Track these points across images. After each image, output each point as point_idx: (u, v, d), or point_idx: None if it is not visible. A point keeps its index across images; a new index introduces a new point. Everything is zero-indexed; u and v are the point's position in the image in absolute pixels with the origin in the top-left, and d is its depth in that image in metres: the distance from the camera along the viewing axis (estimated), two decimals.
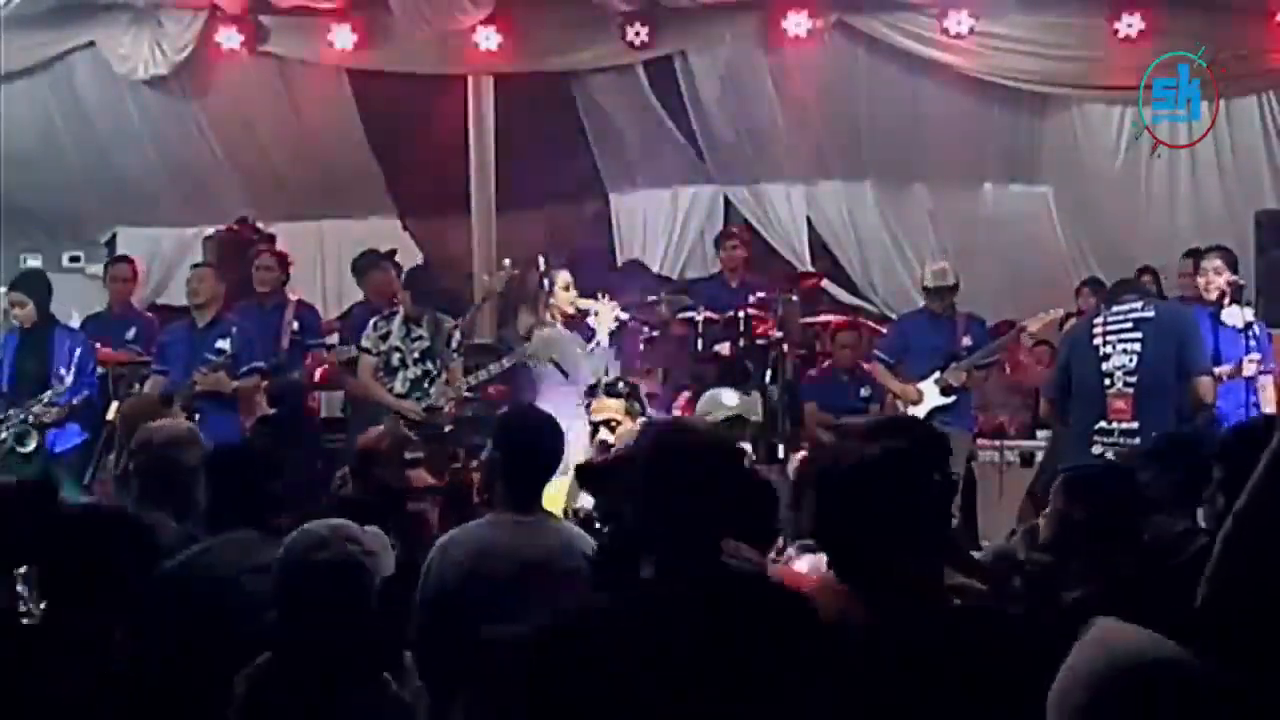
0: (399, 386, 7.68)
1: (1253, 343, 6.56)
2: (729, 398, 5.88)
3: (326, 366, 8.32)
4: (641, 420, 5.30)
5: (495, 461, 3.92)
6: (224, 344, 7.45)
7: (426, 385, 7.66)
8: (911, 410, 7.88)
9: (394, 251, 9.36)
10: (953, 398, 7.85)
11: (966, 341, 8.01)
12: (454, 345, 7.81)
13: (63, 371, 7.43)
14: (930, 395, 7.87)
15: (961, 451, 6.67)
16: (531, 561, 3.67)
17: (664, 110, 9.97)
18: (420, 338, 7.72)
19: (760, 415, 6.93)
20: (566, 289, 7.37)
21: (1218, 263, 6.77)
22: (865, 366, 8.45)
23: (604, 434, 5.45)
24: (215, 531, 3.83)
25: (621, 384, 5.83)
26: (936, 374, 7.87)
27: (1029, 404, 8.90)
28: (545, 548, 3.71)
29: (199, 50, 9.57)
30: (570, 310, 7.33)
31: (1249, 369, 6.49)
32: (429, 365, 7.71)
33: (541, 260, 7.70)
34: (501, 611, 3.53)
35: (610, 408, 5.59)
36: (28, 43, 9.48)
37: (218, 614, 3.42)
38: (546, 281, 7.49)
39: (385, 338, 7.75)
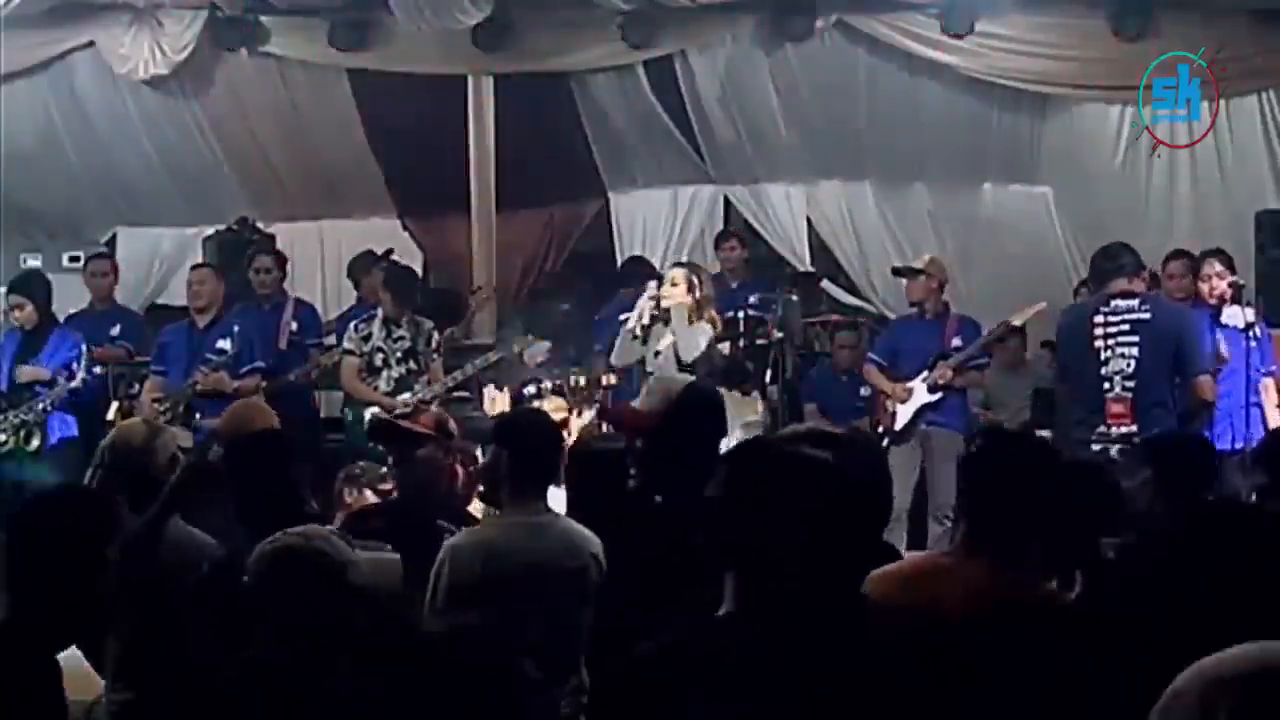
0: (384, 386, 7.73)
1: (1253, 343, 6.57)
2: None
3: (318, 366, 8.32)
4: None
5: (499, 463, 3.92)
6: (225, 344, 7.46)
7: (412, 383, 7.70)
8: (899, 409, 7.87)
9: (390, 251, 9.38)
10: (939, 394, 7.84)
11: (957, 342, 8.00)
12: (434, 345, 7.85)
13: (75, 367, 7.47)
14: (918, 394, 7.87)
15: (950, 452, 6.63)
16: (542, 563, 3.68)
17: (664, 110, 9.97)
18: (401, 338, 7.78)
19: (760, 415, 6.94)
20: (675, 285, 7.29)
21: (1219, 267, 6.77)
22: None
23: None
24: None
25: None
26: (925, 372, 7.89)
27: (1028, 404, 8.89)
28: (554, 548, 3.72)
29: (199, 50, 9.57)
30: (687, 301, 7.24)
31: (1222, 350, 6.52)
32: (412, 364, 7.76)
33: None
34: (514, 614, 3.56)
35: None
36: (28, 43, 9.47)
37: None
38: (655, 281, 7.41)
39: (367, 339, 7.81)
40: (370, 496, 5.56)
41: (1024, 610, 2.96)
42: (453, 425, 4.86)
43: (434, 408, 7.52)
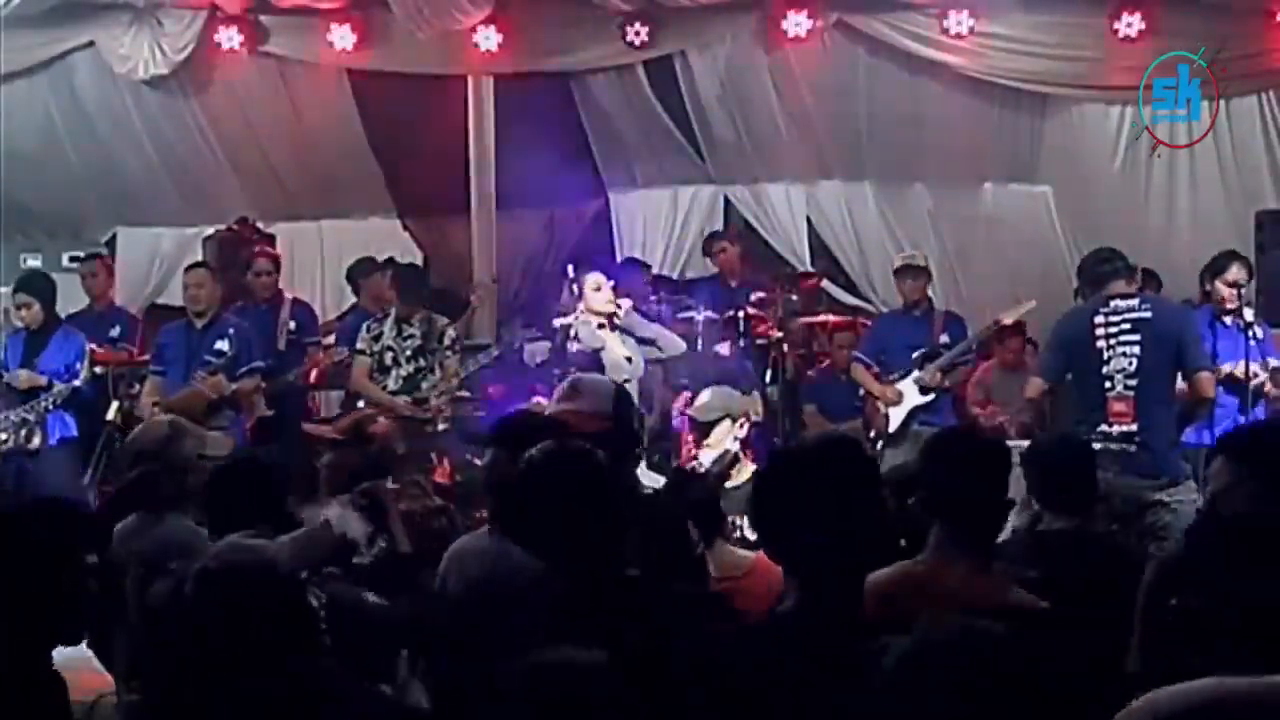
0: (392, 384, 7.78)
1: (1254, 344, 6.58)
2: (715, 398, 5.86)
3: (318, 368, 8.35)
4: None
5: (500, 465, 3.90)
6: (223, 345, 7.48)
7: (420, 381, 7.71)
8: (891, 411, 7.86)
9: (391, 259, 9.38)
10: (931, 396, 7.84)
11: (944, 340, 8.00)
12: (448, 342, 7.87)
13: (78, 367, 7.50)
14: (910, 395, 7.85)
15: None
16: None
17: (664, 110, 9.97)
18: (411, 336, 7.82)
19: (759, 413, 6.94)
20: (598, 290, 7.25)
21: (1243, 272, 6.76)
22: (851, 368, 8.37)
23: None
24: None
25: None
26: (915, 373, 7.87)
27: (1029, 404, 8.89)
28: None
29: (199, 50, 9.56)
30: (608, 309, 7.21)
31: (1226, 367, 6.49)
32: (421, 362, 7.79)
33: (571, 268, 7.67)
34: (519, 620, 3.55)
35: None
36: (28, 43, 9.48)
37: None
38: (575, 287, 7.38)
39: (378, 339, 7.86)
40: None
41: (1000, 615, 2.98)
42: (377, 429, 4.88)
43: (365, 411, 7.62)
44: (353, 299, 9.56)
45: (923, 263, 8.22)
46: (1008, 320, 8.09)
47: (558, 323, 7.23)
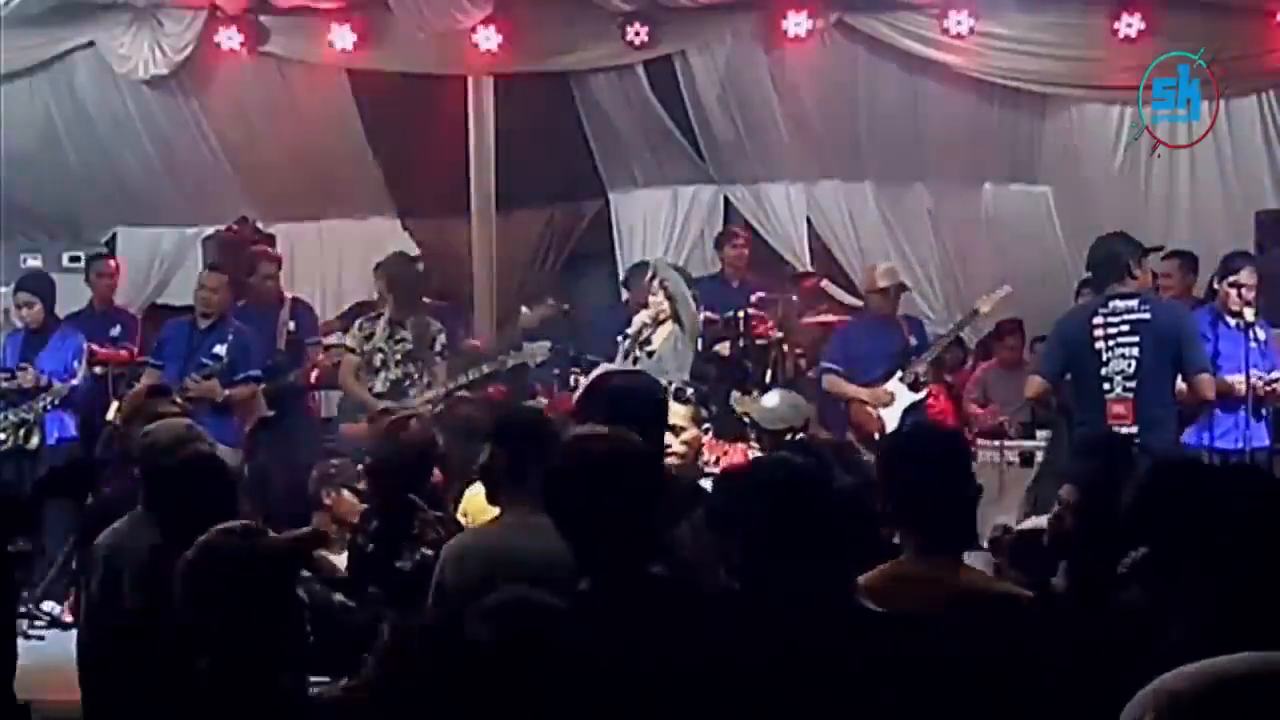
0: (379, 387, 7.73)
1: (1254, 344, 6.57)
2: (784, 407, 5.84)
3: (318, 366, 8.35)
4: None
5: (498, 462, 3.90)
6: (220, 349, 7.49)
7: (407, 387, 7.68)
8: (884, 413, 7.81)
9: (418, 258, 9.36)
10: (923, 393, 7.82)
11: (913, 342, 8.05)
12: (438, 348, 7.84)
13: (75, 365, 7.52)
14: (901, 395, 7.83)
15: None
16: (549, 564, 3.66)
17: (664, 110, 9.96)
18: (403, 340, 7.78)
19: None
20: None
21: (1253, 276, 6.76)
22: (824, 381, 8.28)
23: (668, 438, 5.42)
24: None
25: (690, 390, 5.82)
26: (899, 373, 7.84)
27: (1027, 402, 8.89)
28: (559, 549, 3.70)
29: (199, 50, 9.55)
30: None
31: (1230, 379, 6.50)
32: (410, 368, 7.75)
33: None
34: None
35: (676, 414, 5.56)
36: (28, 43, 9.47)
37: None
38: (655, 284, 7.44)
39: (369, 338, 7.81)
40: (348, 495, 5.45)
41: (989, 604, 3.07)
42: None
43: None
44: (353, 299, 9.55)
45: (901, 279, 8.33)
46: (984, 309, 8.12)
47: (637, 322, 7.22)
